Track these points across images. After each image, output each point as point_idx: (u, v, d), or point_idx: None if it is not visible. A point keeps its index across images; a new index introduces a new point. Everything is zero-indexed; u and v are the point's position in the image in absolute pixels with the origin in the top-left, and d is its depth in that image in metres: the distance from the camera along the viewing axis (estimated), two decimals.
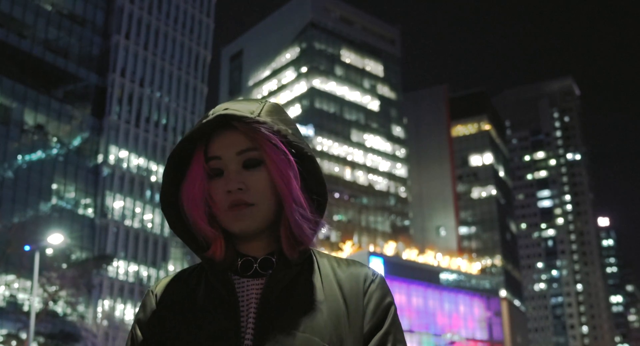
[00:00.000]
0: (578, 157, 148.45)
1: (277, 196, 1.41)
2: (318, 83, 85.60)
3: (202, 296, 1.44)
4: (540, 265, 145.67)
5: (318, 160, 1.47)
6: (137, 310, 1.52)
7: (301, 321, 1.37)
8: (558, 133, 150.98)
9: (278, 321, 1.37)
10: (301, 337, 1.35)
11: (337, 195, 80.00)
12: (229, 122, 1.40)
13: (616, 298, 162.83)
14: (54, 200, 50.65)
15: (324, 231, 1.49)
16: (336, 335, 1.38)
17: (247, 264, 1.45)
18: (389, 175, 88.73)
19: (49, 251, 37.65)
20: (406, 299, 68.32)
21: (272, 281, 1.41)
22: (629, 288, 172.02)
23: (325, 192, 1.46)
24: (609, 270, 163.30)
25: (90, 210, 53.31)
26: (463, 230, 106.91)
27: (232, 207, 1.39)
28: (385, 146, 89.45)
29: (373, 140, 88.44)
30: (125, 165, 55.95)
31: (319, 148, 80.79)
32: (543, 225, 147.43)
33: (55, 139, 52.13)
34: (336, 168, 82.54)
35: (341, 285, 1.47)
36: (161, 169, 58.80)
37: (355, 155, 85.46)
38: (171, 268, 58.20)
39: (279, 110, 1.46)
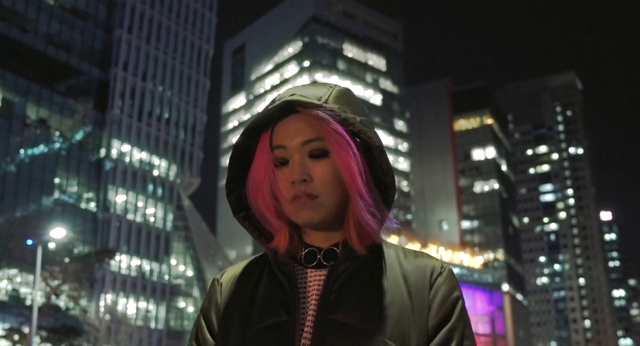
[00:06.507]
0: (580, 151, 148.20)
1: (342, 187, 1.35)
2: (320, 77, 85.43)
3: (264, 286, 1.43)
4: (542, 259, 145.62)
5: None
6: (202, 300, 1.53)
7: (362, 315, 1.33)
8: (560, 128, 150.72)
9: (338, 314, 1.33)
10: (361, 331, 1.31)
11: None
12: (294, 108, 1.36)
13: (618, 292, 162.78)
14: (56, 194, 50.64)
15: (393, 224, 1.43)
16: (397, 330, 1.33)
17: (310, 255, 1.43)
18: None
19: (52, 245, 37.63)
20: None
21: (334, 273, 1.38)
22: (632, 282, 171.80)
23: (393, 182, 1.40)
24: (611, 264, 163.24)
25: (92, 204, 53.31)
26: (465, 224, 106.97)
27: (296, 198, 1.35)
28: (388, 140, 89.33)
29: None
30: (127, 159, 55.92)
31: None
32: (545, 219, 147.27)
33: (57, 133, 52.07)
34: None
35: (406, 278, 1.41)
36: (164, 163, 58.84)
37: None
38: (173, 262, 58.28)
39: (348, 96, 1.41)
